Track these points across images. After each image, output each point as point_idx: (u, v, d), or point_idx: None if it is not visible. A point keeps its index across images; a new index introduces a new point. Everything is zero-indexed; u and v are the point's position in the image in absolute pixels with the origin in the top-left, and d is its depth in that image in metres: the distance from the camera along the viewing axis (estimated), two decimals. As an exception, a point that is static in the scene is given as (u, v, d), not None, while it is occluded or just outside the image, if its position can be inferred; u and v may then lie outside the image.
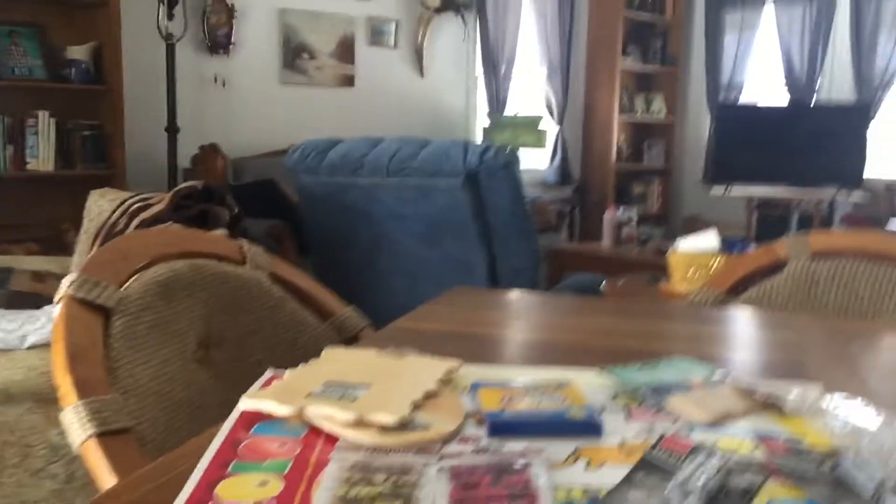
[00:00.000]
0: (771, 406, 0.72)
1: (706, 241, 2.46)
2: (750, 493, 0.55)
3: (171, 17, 4.13)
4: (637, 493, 0.55)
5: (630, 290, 2.72)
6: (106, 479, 0.79)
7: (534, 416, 0.67)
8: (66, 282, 0.94)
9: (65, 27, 3.84)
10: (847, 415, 0.67)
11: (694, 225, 6.26)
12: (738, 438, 0.65)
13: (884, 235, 1.45)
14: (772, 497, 0.55)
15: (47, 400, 1.85)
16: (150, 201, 2.38)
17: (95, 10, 3.84)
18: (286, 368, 0.78)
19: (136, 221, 2.30)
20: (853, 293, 1.40)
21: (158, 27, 4.11)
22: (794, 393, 0.73)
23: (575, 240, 5.93)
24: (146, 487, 0.60)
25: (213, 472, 0.57)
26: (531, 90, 6.27)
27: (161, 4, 4.10)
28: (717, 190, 5.74)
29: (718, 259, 2.37)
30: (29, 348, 2.01)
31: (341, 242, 2.93)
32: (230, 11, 4.59)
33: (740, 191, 5.58)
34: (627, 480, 0.57)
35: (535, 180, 6.29)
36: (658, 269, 2.97)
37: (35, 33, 3.76)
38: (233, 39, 4.63)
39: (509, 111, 5.94)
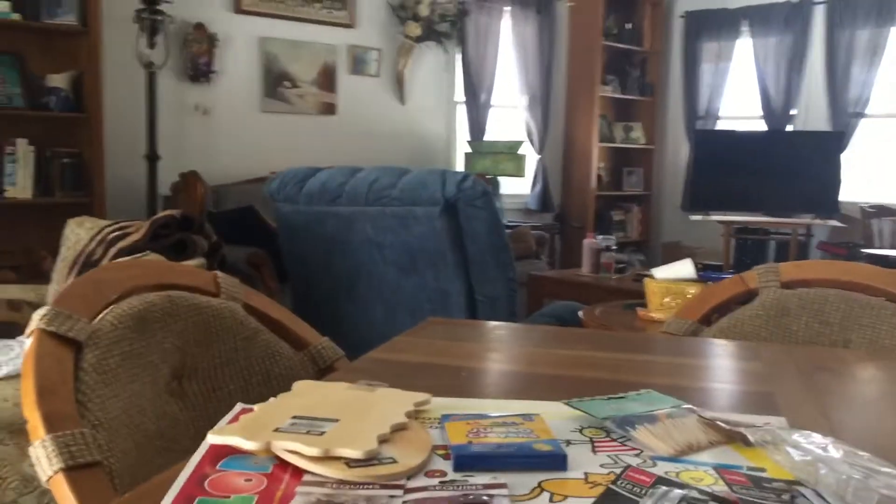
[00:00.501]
0: (735, 438, 0.73)
1: (682, 269, 2.49)
2: (709, 525, 0.56)
3: (152, 45, 4.15)
4: (598, 526, 0.56)
5: (607, 318, 2.74)
6: (74, 513, 0.79)
7: (499, 449, 0.67)
8: (37, 315, 0.94)
9: (44, 55, 3.85)
10: (808, 447, 0.68)
11: (673, 251, 6.31)
12: (701, 470, 0.66)
13: (852, 265, 1.47)
14: (730, 529, 0.56)
15: (20, 431, 1.83)
16: (128, 230, 2.37)
17: (76, 39, 3.85)
18: (261, 399, 0.78)
19: (113, 250, 2.29)
20: (823, 322, 1.42)
21: (139, 55, 4.13)
22: (758, 425, 0.74)
23: (555, 266, 5.96)
24: (112, 524, 0.60)
25: (178, 509, 0.57)
26: (511, 117, 6.32)
27: (142, 33, 4.13)
28: (696, 216, 5.80)
29: (694, 287, 2.39)
30: (2, 378, 1.99)
31: (320, 271, 2.93)
32: (211, 40, 4.61)
33: (718, 217, 5.63)
34: (589, 513, 0.58)
35: (517, 207, 6.34)
36: (637, 296, 2.99)
37: (14, 61, 3.77)
38: (214, 67, 4.65)
39: (490, 138, 5.98)
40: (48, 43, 3.87)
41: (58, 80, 3.81)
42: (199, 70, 4.60)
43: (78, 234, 2.73)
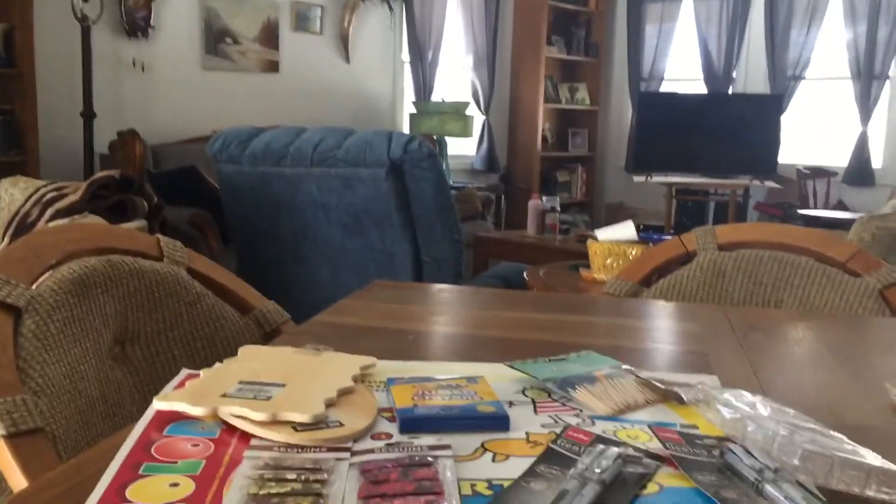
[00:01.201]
0: (670, 397, 0.76)
1: (624, 230, 2.53)
2: (643, 480, 0.59)
3: (86, -2, 4.01)
4: (539, 483, 0.58)
5: (552, 279, 2.78)
6: (17, 480, 0.79)
7: (444, 411, 0.69)
8: (-27, 280, 0.92)
9: (-28, 8, 3.69)
10: (738, 405, 0.71)
11: (617, 212, 6.42)
12: (637, 428, 0.69)
13: (786, 227, 1.52)
14: (662, 484, 0.58)
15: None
16: (65, 191, 2.32)
17: (5, -9, 3.70)
18: (206, 364, 0.78)
19: (49, 211, 2.23)
20: (757, 282, 1.47)
21: (73, 9, 3.99)
22: (691, 384, 0.77)
23: (501, 227, 6.00)
24: (57, 490, 0.60)
25: (125, 475, 0.58)
26: (458, 78, 6.30)
27: (76, -15, 3.98)
28: (639, 178, 5.89)
29: (635, 248, 2.44)
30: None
31: (265, 232, 2.91)
32: (149, -7, 4.47)
33: (660, 178, 5.73)
34: (530, 471, 0.60)
35: (463, 168, 6.34)
36: (581, 256, 3.04)
37: (-60, 13, 3.61)
38: (152, 22, 4.52)
39: (436, 98, 5.96)
40: (-24, -6, 3.71)
41: (-13, 34, 3.66)
42: (137, 24, 4.46)
43: (12, 194, 2.66)
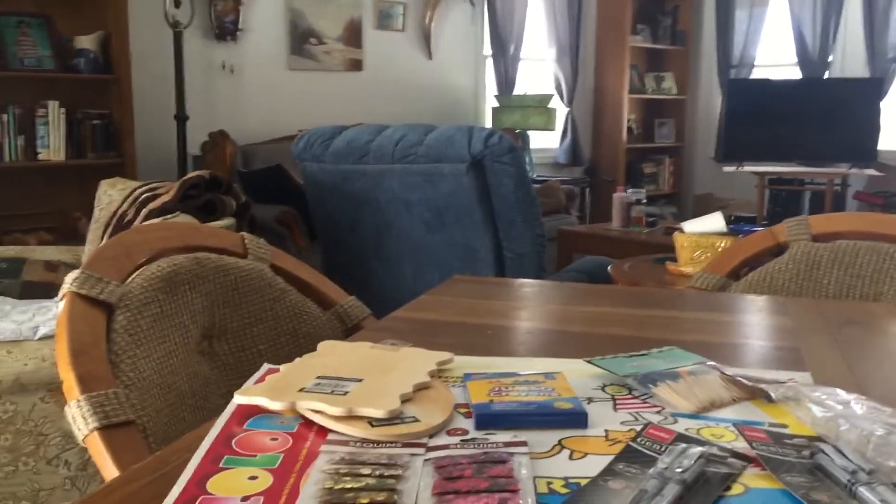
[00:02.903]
0: (757, 395, 0.73)
1: (712, 222, 2.46)
2: (728, 481, 0.57)
3: (177, 4, 4.15)
4: (617, 482, 0.57)
5: (637, 273, 2.72)
6: (109, 470, 0.82)
7: (520, 407, 0.68)
8: (69, 278, 0.96)
9: (72, 17, 3.86)
10: (831, 403, 0.68)
11: (706, 203, 6.24)
12: (722, 427, 0.67)
13: (883, 216, 1.45)
14: (748, 485, 0.56)
15: (60, 389, 1.88)
16: (158, 191, 2.40)
17: (103, 0, 3.86)
18: (289, 358, 0.80)
19: (144, 211, 2.32)
20: (854, 274, 1.40)
21: (165, 15, 4.13)
22: (781, 381, 0.74)
23: (586, 221, 5.93)
24: (143, 481, 0.61)
25: (206, 467, 0.59)
26: (540, 71, 6.24)
27: (167, -8, 4.12)
28: (729, 167, 5.72)
29: (724, 241, 2.37)
30: (41, 339, 2.04)
31: (348, 229, 2.95)
32: (237, -2, 4.59)
33: (752, 168, 5.55)
34: (608, 470, 0.59)
35: (546, 161, 6.29)
36: (667, 250, 2.97)
37: (43, 23, 3.79)
38: (240, 26, 4.63)
39: (518, 92, 5.92)
40: (75, 4, 3.88)
41: (86, 42, 3.83)
42: (226, 28, 4.59)
43: (111, 195, 2.77)
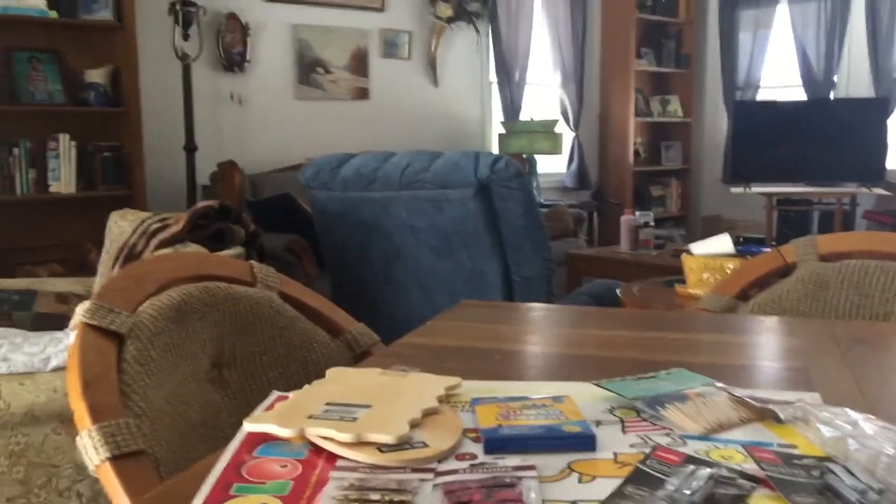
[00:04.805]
0: (766, 416, 0.73)
1: (720, 244, 2.46)
2: (737, 502, 0.57)
3: (186, 37, 4.20)
4: (626, 505, 0.57)
5: (646, 296, 2.72)
6: (121, 500, 0.82)
7: (529, 431, 0.68)
8: (80, 309, 0.97)
9: (82, 51, 3.92)
10: (840, 423, 0.67)
11: (714, 225, 6.24)
12: (731, 448, 0.66)
13: (890, 235, 1.44)
14: (758, 507, 0.56)
15: (72, 420, 1.89)
16: (168, 222, 2.42)
17: (112, 34, 3.91)
18: (299, 385, 0.80)
19: (154, 242, 2.34)
20: (863, 294, 1.40)
21: (174, 48, 4.18)
22: (790, 402, 0.74)
23: (594, 244, 5.93)
24: (154, 510, 0.62)
25: (217, 495, 0.59)
26: (546, 96, 6.28)
27: (176, 25, 4.17)
28: (737, 189, 5.72)
29: (733, 262, 2.36)
30: (53, 370, 2.05)
31: (356, 256, 2.96)
32: (244, 30, 4.65)
33: (760, 189, 5.55)
34: (618, 493, 0.59)
35: (553, 185, 6.30)
36: (676, 272, 2.97)
37: (53, 58, 3.84)
38: (248, 57, 4.69)
39: (524, 117, 5.95)
40: (85, 39, 3.94)
41: (96, 76, 3.88)
42: (234, 60, 4.64)
43: (121, 226, 2.79)
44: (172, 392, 1.02)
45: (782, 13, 6.27)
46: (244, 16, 4.66)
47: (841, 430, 0.65)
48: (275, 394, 0.80)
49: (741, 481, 0.59)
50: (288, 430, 0.67)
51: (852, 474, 0.59)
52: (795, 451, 0.65)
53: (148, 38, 4.15)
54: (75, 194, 3.84)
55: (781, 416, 0.71)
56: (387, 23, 5.38)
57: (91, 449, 0.83)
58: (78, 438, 0.86)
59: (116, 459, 0.84)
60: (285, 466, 0.64)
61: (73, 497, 1.91)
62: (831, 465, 0.61)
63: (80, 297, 2.72)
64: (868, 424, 0.66)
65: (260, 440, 0.69)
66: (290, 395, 0.77)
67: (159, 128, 4.28)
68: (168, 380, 1.01)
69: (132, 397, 0.93)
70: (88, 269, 3.41)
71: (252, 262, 1.24)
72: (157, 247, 2.31)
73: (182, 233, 2.28)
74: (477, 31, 5.80)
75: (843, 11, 5.97)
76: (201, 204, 2.43)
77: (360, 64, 5.26)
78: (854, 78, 6.04)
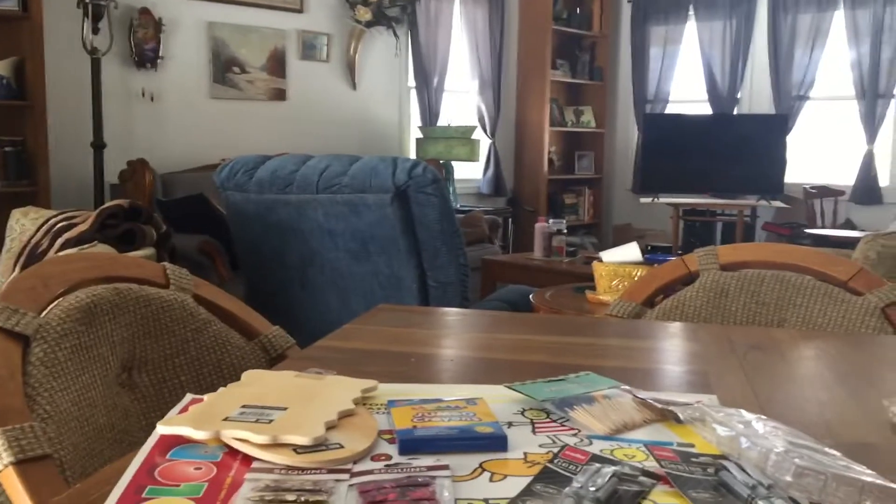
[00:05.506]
0: (667, 417, 0.77)
1: (629, 252, 2.54)
2: (638, 498, 0.60)
3: (96, 31, 4.08)
4: (535, 501, 0.59)
5: (558, 301, 2.78)
6: (25, 506, 0.80)
7: (443, 432, 0.70)
8: (-18, 310, 0.94)
9: (-15, 41, 3.76)
10: (734, 423, 0.72)
11: (625, 233, 6.42)
12: (634, 447, 0.70)
13: (786, 246, 1.53)
14: (657, 502, 0.59)
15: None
16: (75, 220, 2.34)
17: (17, 24, 3.76)
18: (213, 389, 0.80)
19: (59, 241, 2.26)
20: (760, 302, 1.47)
21: (83, 41, 4.05)
22: (689, 403, 0.78)
23: (509, 250, 6.02)
24: (63, 515, 0.61)
25: (128, 498, 0.59)
26: (463, 103, 6.34)
27: (86, 18, 4.05)
28: (646, 199, 5.90)
29: (640, 270, 2.45)
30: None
31: (272, 259, 2.93)
32: (158, 25, 4.54)
33: (667, 199, 5.74)
34: (527, 490, 0.61)
35: (470, 191, 6.37)
36: (587, 279, 3.05)
37: (-47, 48, 3.67)
38: (161, 53, 4.58)
39: (442, 123, 6.00)
40: (-12, 29, 3.78)
41: (-1, 67, 3.73)
42: (146, 56, 4.52)
43: (23, 224, 2.69)
44: (80, 395, 0.99)
45: (691, 30, 6.51)
46: (157, 11, 4.55)
47: (735, 430, 0.69)
48: (189, 396, 0.79)
49: (642, 478, 0.63)
50: (203, 433, 0.67)
51: (744, 471, 0.62)
52: (693, 450, 0.69)
53: (55, 29, 4.00)
54: (-26, 190, 3.67)
55: (681, 416, 0.75)
56: (305, 24, 5.34)
57: (-6, 453, 0.81)
58: (-20, 443, 0.83)
59: (21, 464, 0.82)
60: (199, 469, 0.64)
61: (-32, 506, 1.83)
62: (725, 463, 0.64)
63: (-22, 298, 2.60)
64: (760, 424, 0.71)
65: (173, 443, 0.68)
66: (205, 397, 0.77)
67: (66, 123, 4.14)
68: (75, 383, 0.99)
69: (38, 400, 0.91)
70: (-13, 269, 3.27)
71: (165, 263, 1.22)
72: (63, 246, 2.24)
73: (90, 232, 2.22)
74: (396, 35, 5.81)
75: (748, 31, 6.24)
76: (111, 203, 2.37)
77: (277, 65, 5.21)
78: (756, 95, 6.32)
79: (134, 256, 1.79)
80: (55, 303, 1.02)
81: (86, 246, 2.18)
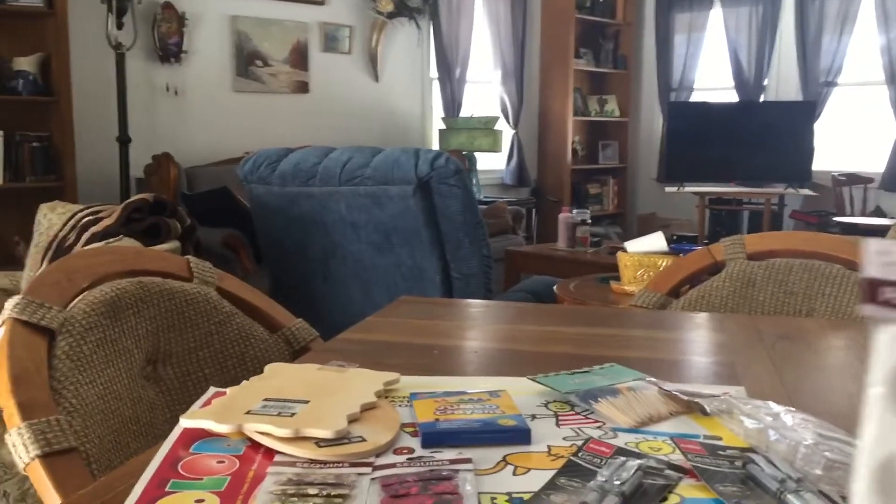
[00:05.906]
0: (693, 409, 0.75)
1: (654, 242, 2.52)
2: (664, 491, 0.59)
3: (120, 26, 4.10)
4: (559, 495, 0.59)
5: (582, 292, 2.77)
6: (51, 498, 0.81)
7: (465, 425, 0.69)
8: (9, 304, 0.95)
9: (11, 38, 3.80)
10: (762, 415, 0.70)
11: (649, 223, 6.37)
12: (660, 440, 0.69)
13: (815, 234, 1.50)
14: (683, 496, 0.58)
15: (0, 418, 1.83)
16: (101, 214, 2.36)
17: (43, 21, 3.80)
18: (236, 382, 0.80)
19: (86, 235, 2.28)
20: (788, 291, 1.45)
21: (108, 37, 4.08)
22: (716, 395, 0.77)
23: (532, 241, 5.99)
24: (87, 507, 0.61)
25: (152, 491, 0.59)
26: (486, 93, 6.32)
27: (110, 14, 4.07)
28: (671, 188, 5.85)
29: (665, 260, 2.42)
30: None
31: (295, 251, 2.94)
32: (181, 20, 4.56)
33: (693, 188, 5.68)
34: (551, 484, 0.60)
35: (493, 182, 6.35)
36: (611, 269, 3.02)
37: (-20, 45, 3.71)
38: (184, 48, 4.60)
39: (464, 114, 5.98)
40: (14, 25, 3.81)
41: (25, 64, 3.76)
42: (169, 50, 4.55)
43: (50, 219, 2.72)
44: (105, 388, 1.00)
45: (716, 17, 6.42)
46: (181, 5, 4.57)
47: (763, 422, 0.68)
48: (212, 390, 0.79)
49: (668, 472, 0.62)
50: (225, 426, 0.67)
51: (773, 464, 0.61)
52: (720, 443, 0.68)
53: (80, 25, 4.04)
54: (2, 185, 3.72)
55: (708, 409, 0.74)
56: (327, 16, 5.34)
57: (20, 446, 0.82)
58: (7, 436, 0.84)
59: (47, 457, 0.82)
60: (222, 462, 0.64)
61: (0, 497, 1.86)
62: (753, 456, 0.63)
63: (7, 292, 2.64)
64: (788, 416, 0.69)
65: (196, 436, 0.69)
66: (228, 390, 0.77)
67: (91, 118, 4.17)
68: (100, 376, 1.00)
69: (63, 394, 0.92)
70: (16, 263, 3.31)
71: (189, 256, 1.22)
72: (89, 240, 2.26)
73: (115, 226, 2.24)
74: (418, 26, 5.80)
75: (774, 17, 6.15)
76: (136, 197, 2.38)
77: (300, 57, 5.21)
78: (783, 82, 6.23)
79: (158, 250, 1.80)
80: (80, 297, 1.02)
81: (112, 240, 2.20)
